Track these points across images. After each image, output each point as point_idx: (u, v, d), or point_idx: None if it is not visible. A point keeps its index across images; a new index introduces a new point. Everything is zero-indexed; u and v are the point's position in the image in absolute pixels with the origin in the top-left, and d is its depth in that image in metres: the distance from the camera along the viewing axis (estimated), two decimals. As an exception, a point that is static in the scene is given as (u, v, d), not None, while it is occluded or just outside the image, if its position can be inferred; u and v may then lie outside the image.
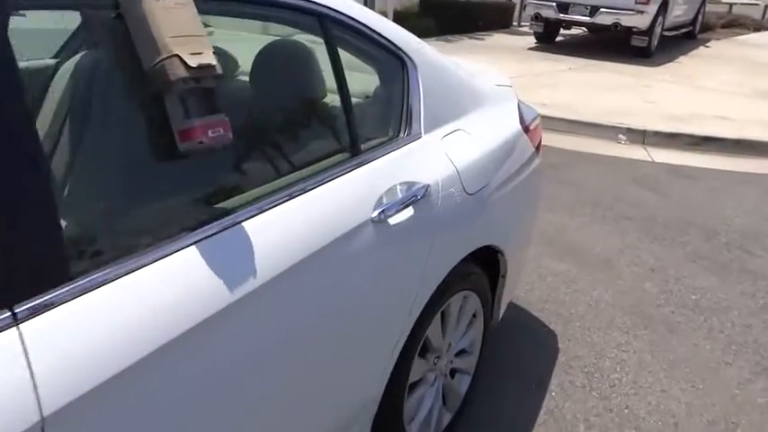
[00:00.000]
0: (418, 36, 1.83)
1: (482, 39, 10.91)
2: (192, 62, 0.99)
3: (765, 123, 6.15)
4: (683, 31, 11.51)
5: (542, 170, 2.36)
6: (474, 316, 2.04)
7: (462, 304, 1.94)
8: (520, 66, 8.45)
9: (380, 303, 1.47)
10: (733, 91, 7.73)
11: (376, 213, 1.40)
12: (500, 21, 12.45)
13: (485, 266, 1.99)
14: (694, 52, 10.91)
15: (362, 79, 1.77)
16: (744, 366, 2.55)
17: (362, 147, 1.48)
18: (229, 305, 1.05)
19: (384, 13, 9.07)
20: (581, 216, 3.99)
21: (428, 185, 1.56)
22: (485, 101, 2.05)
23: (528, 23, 11.07)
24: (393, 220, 1.44)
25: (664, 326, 2.81)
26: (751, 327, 2.84)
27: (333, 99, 1.60)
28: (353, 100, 1.68)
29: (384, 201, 1.43)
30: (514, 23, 12.97)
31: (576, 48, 10.18)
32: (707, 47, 11.63)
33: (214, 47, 1.91)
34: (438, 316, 1.79)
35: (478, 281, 1.95)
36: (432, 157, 1.65)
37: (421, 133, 1.66)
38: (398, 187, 1.49)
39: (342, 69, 1.45)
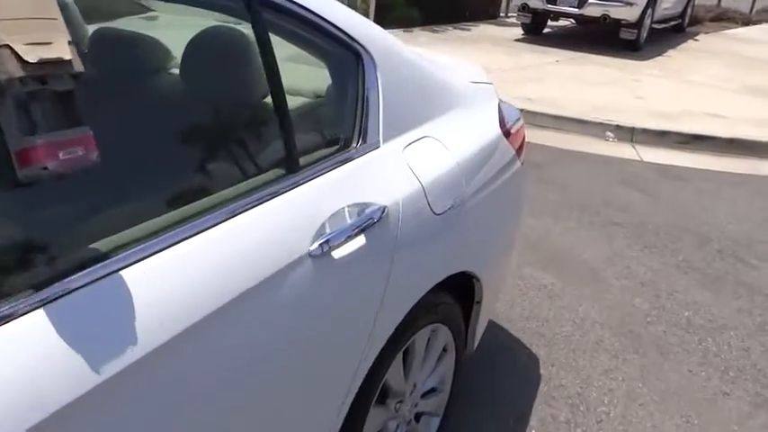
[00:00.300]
0: (403, 26, 1.56)
1: (468, 29, 10.61)
2: (31, 56, 0.70)
3: (757, 122, 5.93)
4: (672, 23, 11.28)
5: (525, 178, 2.10)
6: (444, 350, 1.78)
7: (430, 339, 1.67)
8: (506, 58, 8.17)
9: (323, 352, 1.20)
10: (723, 86, 7.52)
11: (316, 245, 1.12)
12: (487, 11, 12.13)
13: (457, 292, 1.73)
14: (683, 46, 10.69)
15: (313, 76, 1.49)
16: (742, 397, 2.31)
17: (303, 161, 1.20)
18: (116, 373, 0.78)
19: (367, 3, 8.73)
20: (567, 220, 3.74)
21: (385, 207, 1.28)
22: (459, 101, 1.77)
23: (515, 14, 10.78)
24: (339, 253, 1.16)
25: (655, 348, 2.56)
26: (749, 350, 2.61)
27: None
28: (298, 102, 1.40)
29: (328, 229, 1.16)
30: (502, 14, 12.66)
31: (564, 40, 9.92)
32: (696, 40, 11.42)
33: (145, 35, 1.64)
34: (400, 356, 1.52)
35: (449, 311, 1.68)
36: (392, 172, 1.37)
37: (379, 142, 1.38)
38: (347, 211, 1.21)
39: (274, 63, 1.16)
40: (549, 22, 10.54)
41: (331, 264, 1.14)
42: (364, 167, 1.31)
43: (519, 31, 10.44)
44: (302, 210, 1.13)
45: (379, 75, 1.39)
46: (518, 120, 2.07)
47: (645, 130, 5.52)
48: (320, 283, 1.13)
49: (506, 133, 1.92)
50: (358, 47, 1.36)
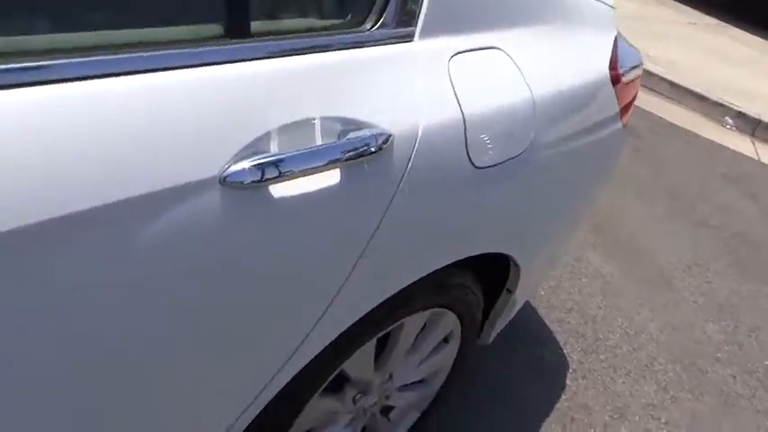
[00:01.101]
0: None
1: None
2: None
3: None
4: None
5: (620, 147, 1.55)
6: (446, 340, 1.33)
7: (427, 324, 1.22)
8: (630, 5, 7.19)
9: (238, 324, 0.77)
10: None
11: (242, 167, 0.66)
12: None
13: (481, 271, 1.26)
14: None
15: None
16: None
17: (260, 26, 0.72)
18: None
19: None
20: (652, 205, 3.14)
21: (390, 136, 0.80)
22: (564, 15, 1.23)
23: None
24: (283, 189, 0.70)
25: (717, 394, 2.05)
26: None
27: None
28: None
29: (272, 145, 0.69)
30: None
31: (706, 1, 8.70)
32: None
33: None
34: (372, 342, 1.09)
35: (463, 297, 1.22)
36: (421, 85, 0.87)
37: (413, 33, 0.88)
38: (320, 125, 0.74)
39: None
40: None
41: (259, 202, 0.69)
42: (373, 66, 0.81)
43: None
44: (231, 103, 0.66)
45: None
46: (636, 66, 1.51)
47: (772, 126, 4.70)
48: (232, 229, 0.68)
49: (615, 79, 1.37)
50: None
